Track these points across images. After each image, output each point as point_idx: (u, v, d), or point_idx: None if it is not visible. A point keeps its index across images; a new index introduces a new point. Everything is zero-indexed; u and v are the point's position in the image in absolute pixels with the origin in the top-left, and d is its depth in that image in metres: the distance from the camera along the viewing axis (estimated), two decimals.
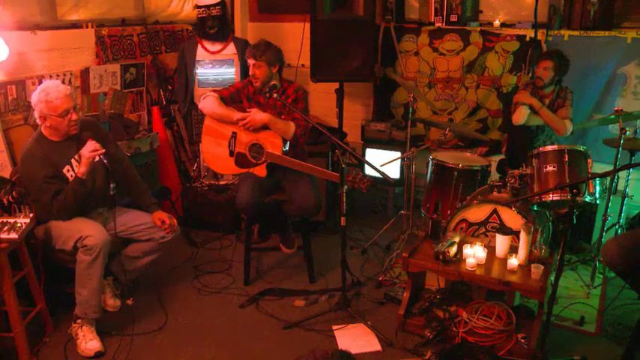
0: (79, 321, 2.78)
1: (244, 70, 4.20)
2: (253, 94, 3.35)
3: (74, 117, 2.74)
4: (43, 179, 2.73)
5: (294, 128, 3.22)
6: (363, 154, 4.51)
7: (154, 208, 3.08)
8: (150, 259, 3.06)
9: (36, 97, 2.70)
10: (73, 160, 2.86)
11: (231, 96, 3.34)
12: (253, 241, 3.56)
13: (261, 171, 3.27)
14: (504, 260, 2.80)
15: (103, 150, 2.77)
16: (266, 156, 3.22)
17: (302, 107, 3.30)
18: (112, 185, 2.78)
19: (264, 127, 3.23)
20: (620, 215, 3.57)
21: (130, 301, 3.06)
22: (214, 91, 3.36)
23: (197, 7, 4.16)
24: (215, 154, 3.38)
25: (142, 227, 2.99)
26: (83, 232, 2.70)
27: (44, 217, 2.81)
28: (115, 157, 3.01)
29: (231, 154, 3.35)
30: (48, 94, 2.67)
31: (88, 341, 2.73)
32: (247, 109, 3.26)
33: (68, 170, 2.84)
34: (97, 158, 2.76)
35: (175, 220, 3.05)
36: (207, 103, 3.30)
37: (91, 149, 2.74)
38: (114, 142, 3.14)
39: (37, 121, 2.77)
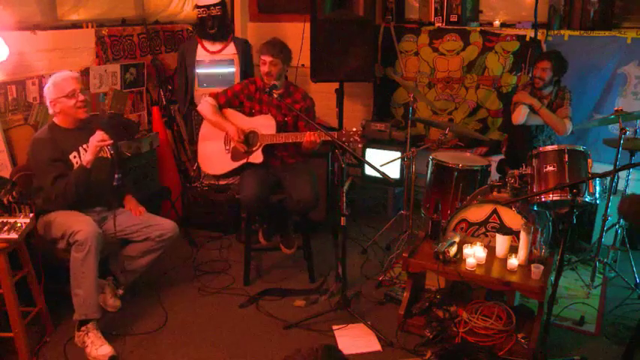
0: (83, 328, 2.74)
1: (244, 70, 4.21)
2: (255, 93, 3.37)
3: (81, 97, 2.85)
4: (47, 161, 2.78)
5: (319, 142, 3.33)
6: (363, 154, 4.51)
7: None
8: (150, 258, 3.06)
9: (46, 86, 2.84)
10: (81, 148, 2.91)
11: (228, 101, 3.41)
12: (261, 244, 3.61)
13: (257, 157, 3.30)
14: (504, 260, 2.80)
15: (111, 141, 2.82)
16: (261, 139, 3.27)
17: (312, 117, 3.37)
18: (116, 176, 2.81)
19: (259, 113, 3.34)
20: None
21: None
22: (212, 96, 3.41)
23: (197, 7, 4.16)
24: (212, 151, 3.43)
25: (138, 227, 2.99)
26: (74, 228, 2.71)
27: (45, 205, 2.82)
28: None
29: (227, 147, 3.40)
30: (55, 79, 2.83)
31: (99, 347, 2.68)
32: (254, 110, 3.35)
33: (75, 157, 2.88)
34: (104, 149, 2.83)
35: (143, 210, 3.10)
36: (204, 108, 3.40)
37: (99, 139, 2.80)
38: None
39: (50, 111, 2.88)
